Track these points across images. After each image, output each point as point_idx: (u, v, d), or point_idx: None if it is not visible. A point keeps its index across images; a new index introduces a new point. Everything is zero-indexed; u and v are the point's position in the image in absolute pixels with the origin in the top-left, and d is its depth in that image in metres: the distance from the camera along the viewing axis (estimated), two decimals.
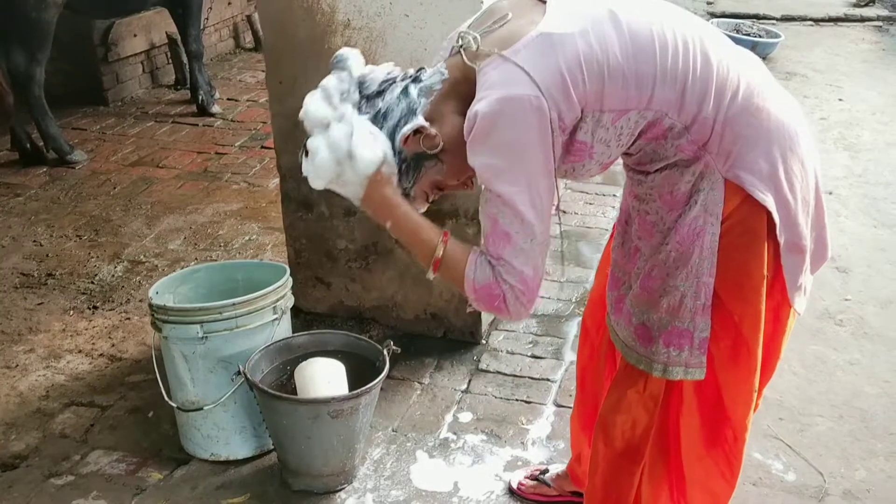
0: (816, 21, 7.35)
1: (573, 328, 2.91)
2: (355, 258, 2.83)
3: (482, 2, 2.31)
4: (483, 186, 1.34)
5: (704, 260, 1.40)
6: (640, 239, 1.50)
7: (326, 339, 2.27)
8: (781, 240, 1.39)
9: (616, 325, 1.57)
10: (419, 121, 1.36)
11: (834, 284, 3.22)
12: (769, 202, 1.36)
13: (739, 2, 7.81)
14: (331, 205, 2.77)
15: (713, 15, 7.12)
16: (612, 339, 1.60)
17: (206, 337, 2.11)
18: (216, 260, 3.38)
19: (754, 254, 1.39)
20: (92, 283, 3.25)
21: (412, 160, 1.38)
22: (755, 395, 1.50)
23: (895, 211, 3.82)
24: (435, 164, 1.39)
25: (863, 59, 6.26)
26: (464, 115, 1.34)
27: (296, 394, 2.11)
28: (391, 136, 1.36)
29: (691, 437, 1.53)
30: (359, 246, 2.81)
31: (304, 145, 1.41)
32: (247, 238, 3.58)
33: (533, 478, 2.15)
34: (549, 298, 3.08)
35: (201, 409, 2.17)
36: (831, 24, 7.29)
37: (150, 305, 2.17)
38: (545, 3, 1.35)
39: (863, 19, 7.34)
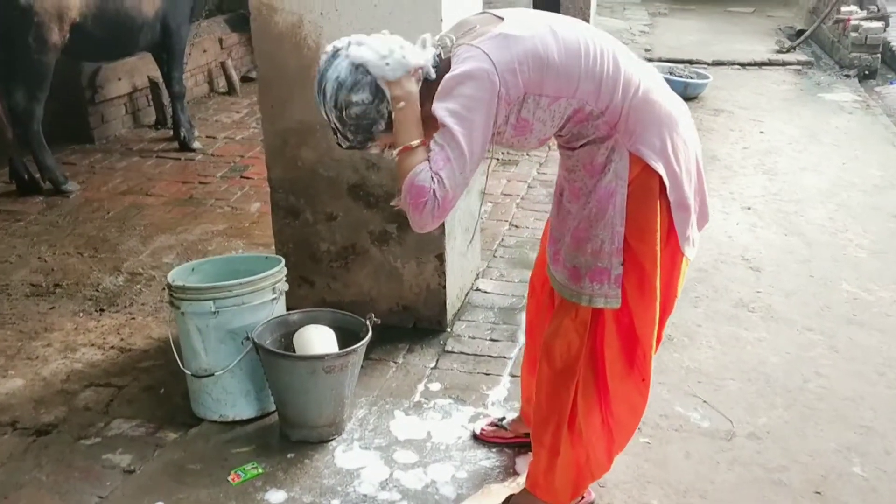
0: (743, 65, 8.07)
1: (524, 318, 3.37)
2: (336, 258, 3.26)
3: (441, 20, 2.84)
4: (440, 123, 1.76)
5: (616, 214, 1.89)
6: (570, 202, 1.99)
7: (317, 316, 2.70)
8: (672, 199, 1.89)
9: (555, 273, 2.04)
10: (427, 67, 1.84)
11: (748, 280, 3.74)
12: (661, 169, 1.86)
13: (674, 49, 8.54)
14: (314, 211, 3.21)
15: (650, 60, 7.80)
16: (551, 284, 2.08)
17: (218, 312, 2.53)
18: None
19: (651, 208, 1.88)
20: (97, 290, 3.63)
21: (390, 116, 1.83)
22: (657, 320, 1.98)
23: (803, 222, 4.39)
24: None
25: (783, 98, 6.95)
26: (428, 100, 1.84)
27: None
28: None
29: (613, 357, 2.00)
30: (339, 247, 3.25)
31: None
32: (233, 253, 3.99)
33: (492, 425, 2.58)
34: (504, 295, 3.54)
35: (212, 374, 2.57)
36: (756, 67, 8.02)
37: (170, 286, 2.58)
38: (502, 18, 1.85)
39: (784, 63, 8.08)
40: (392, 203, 1.92)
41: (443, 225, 3.12)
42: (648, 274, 1.92)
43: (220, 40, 6.92)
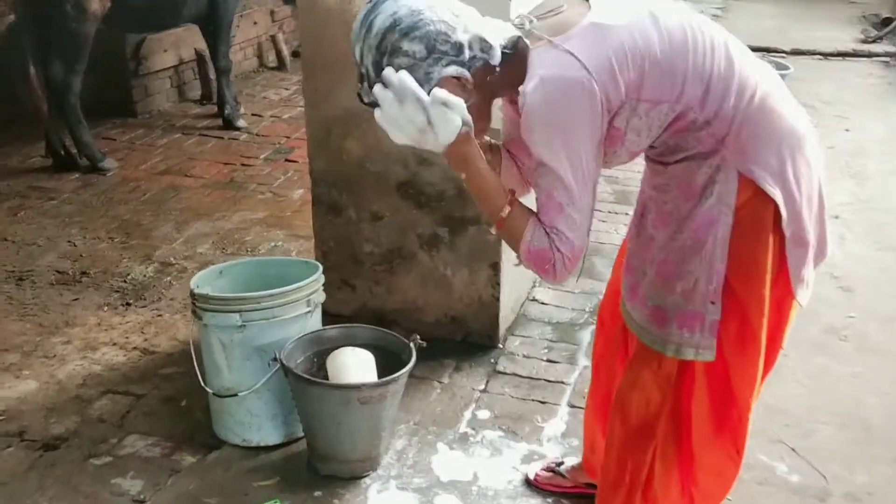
0: (825, 55, 7.52)
1: (586, 336, 3.03)
2: (380, 262, 2.96)
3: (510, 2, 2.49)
4: (537, 161, 1.47)
5: (717, 247, 1.53)
6: (656, 228, 1.63)
7: (355, 333, 2.40)
8: (787, 232, 1.53)
9: (632, 310, 1.70)
10: (465, 72, 1.46)
11: (839, 302, 3.33)
12: (778, 196, 1.50)
13: (751, 35, 7.97)
14: (359, 209, 2.91)
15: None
16: (626, 323, 1.73)
17: (244, 325, 2.24)
18: None
19: (762, 243, 1.52)
20: (124, 281, 3.38)
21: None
22: (759, 378, 1.62)
23: None
24: None
25: (869, 93, 6.42)
26: (489, 93, 1.51)
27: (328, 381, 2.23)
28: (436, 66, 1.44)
29: (701, 418, 1.65)
30: (384, 250, 2.94)
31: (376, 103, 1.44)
32: (272, 244, 3.72)
33: (549, 469, 2.26)
34: (563, 308, 3.20)
35: (236, 395, 2.30)
36: (839, 58, 7.46)
37: (192, 294, 2.30)
38: (588, 1, 1.50)
39: (870, 55, 7.50)
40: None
41: None
42: (752, 322, 1.56)
43: (272, 12, 6.64)
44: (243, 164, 4.66)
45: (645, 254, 1.67)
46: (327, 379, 2.22)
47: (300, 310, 2.31)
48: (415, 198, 2.83)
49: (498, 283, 2.86)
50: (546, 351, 2.93)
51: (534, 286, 3.34)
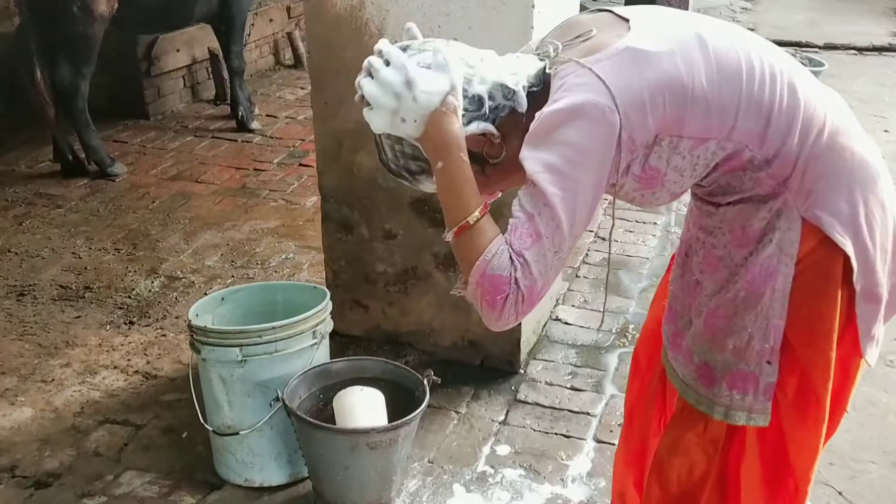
0: (860, 50, 7.23)
1: (613, 360, 2.85)
2: (394, 282, 2.79)
3: (532, 27, 2.31)
4: (529, 181, 1.25)
5: (776, 301, 1.34)
6: (703, 273, 1.45)
7: (365, 366, 2.23)
8: (858, 287, 1.33)
9: (674, 362, 1.51)
10: (489, 127, 1.29)
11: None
12: (848, 246, 1.30)
13: (781, 29, 7.72)
14: (371, 227, 2.74)
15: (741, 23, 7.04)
16: (668, 375, 1.55)
17: (245, 360, 2.08)
18: (253, 278, 3.37)
19: (828, 299, 1.33)
20: (129, 297, 3.24)
21: None
22: (822, 445, 1.43)
23: None
24: (477, 168, 1.30)
25: None
26: (521, 139, 1.30)
27: (333, 421, 2.07)
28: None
29: (751, 487, 1.47)
30: (398, 269, 2.77)
31: (359, 84, 1.29)
32: (284, 256, 3.56)
33: None
34: (588, 328, 3.02)
35: (237, 433, 2.14)
36: (875, 53, 7.18)
37: (190, 326, 2.15)
38: (628, 20, 1.31)
39: None
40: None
41: None
42: (815, 385, 1.36)
43: (288, 9, 6.47)
44: (256, 169, 4.50)
45: (690, 299, 1.48)
46: (334, 419, 2.06)
47: (305, 342, 2.14)
48: (429, 215, 2.65)
49: None
50: (570, 377, 2.75)
51: (557, 304, 3.16)
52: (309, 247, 3.62)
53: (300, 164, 4.55)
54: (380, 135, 1.32)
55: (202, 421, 2.20)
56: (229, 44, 4.92)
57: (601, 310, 3.13)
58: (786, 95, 1.28)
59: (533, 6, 2.29)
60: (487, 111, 1.29)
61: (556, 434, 2.49)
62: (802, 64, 5.41)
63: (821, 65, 6.15)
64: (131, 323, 3.07)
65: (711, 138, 1.27)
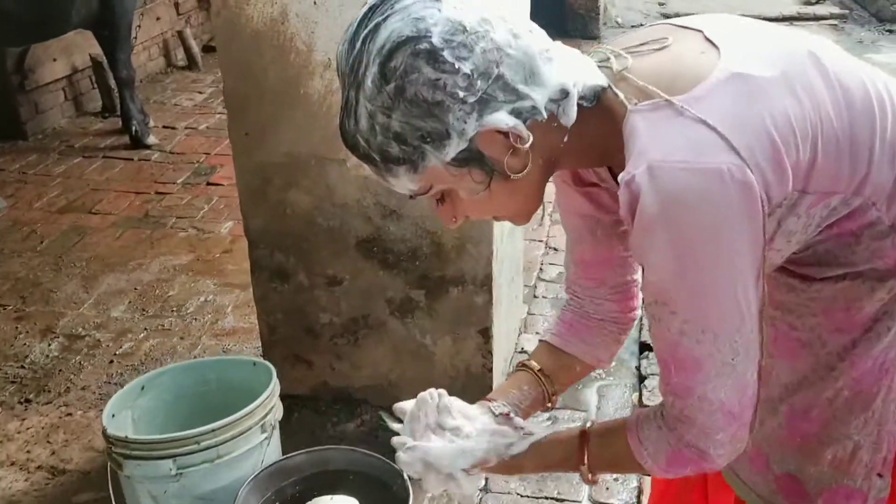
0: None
1: (592, 396, 2.57)
2: (342, 333, 2.41)
3: None
4: (656, 296, 0.94)
5: (891, 403, 1.05)
6: (773, 357, 1.14)
7: (328, 457, 1.85)
8: None
9: (739, 470, 1.21)
10: (520, 126, 0.91)
11: None
12: None
13: (693, 2, 7.61)
14: (311, 273, 2.35)
15: (666, 16, 6.91)
16: (737, 493, 1.24)
17: (181, 473, 1.68)
18: (169, 329, 2.93)
19: None
20: (23, 367, 2.75)
21: (470, 155, 0.91)
22: None
23: None
24: (481, 177, 0.94)
25: None
26: (550, 162, 0.97)
27: None
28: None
29: None
30: (345, 319, 2.39)
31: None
32: (202, 299, 3.12)
33: None
34: None
35: None
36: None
37: (106, 436, 1.72)
38: (700, 31, 0.97)
39: (816, 17, 7.21)
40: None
41: (489, 292, 2.28)
42: None
43: (177, 5, 5.90)
44: (158, 192, 4.00)
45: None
46: None
47: (254, 440, 1.76)
48: (380, 257, 2.29)
49: (490, 352, 2.35)
50: (550, 423, 2.44)
51: (519, 334, 2.85)
52: (230, 284, 3.19)
53: (208, 184, 4.08)
54: (354, 92, 0.90)
55: None
56: (114, 51, 4.36)
57: None
58: None
59: None
60: (526, 106, 0.90)
61: (547, 498, 2.18)
62: None
63: None
64: (27, 401, 2.59)
65: (838, 192, 0.95)
